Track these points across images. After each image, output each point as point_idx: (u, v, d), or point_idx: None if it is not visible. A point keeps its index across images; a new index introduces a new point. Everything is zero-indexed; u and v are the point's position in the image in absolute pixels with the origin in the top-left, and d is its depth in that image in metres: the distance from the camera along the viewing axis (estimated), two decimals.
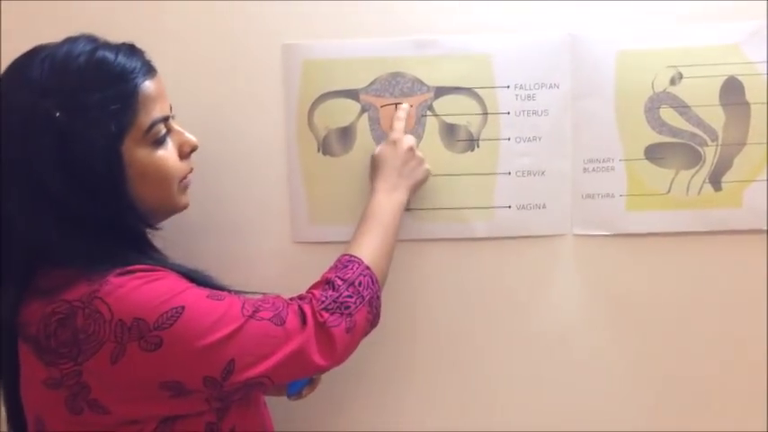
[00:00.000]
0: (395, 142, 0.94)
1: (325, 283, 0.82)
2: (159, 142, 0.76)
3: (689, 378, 1.04)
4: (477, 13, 0.99)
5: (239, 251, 1.04)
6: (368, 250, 0.86)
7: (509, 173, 1.01)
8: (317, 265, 0.96)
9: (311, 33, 1.00)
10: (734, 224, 1.00)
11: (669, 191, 1.01)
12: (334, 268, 0.84)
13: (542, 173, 1.01)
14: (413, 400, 1.06)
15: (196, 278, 0.76)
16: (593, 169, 1.01)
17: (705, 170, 1.00)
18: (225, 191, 1.03)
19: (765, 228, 1.00)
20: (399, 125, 0.97)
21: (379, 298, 0.84)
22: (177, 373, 0.69)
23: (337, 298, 0.79)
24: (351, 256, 0.85)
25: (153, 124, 0.74)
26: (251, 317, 0.73)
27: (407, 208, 0.99)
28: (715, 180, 1.00)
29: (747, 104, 0.99)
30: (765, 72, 0.98)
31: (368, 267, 0.84)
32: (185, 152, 0.81)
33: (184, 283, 0.73)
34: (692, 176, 1.00)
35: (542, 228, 1.02)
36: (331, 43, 1.00)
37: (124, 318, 0.67)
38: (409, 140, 0.95)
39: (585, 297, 1.03)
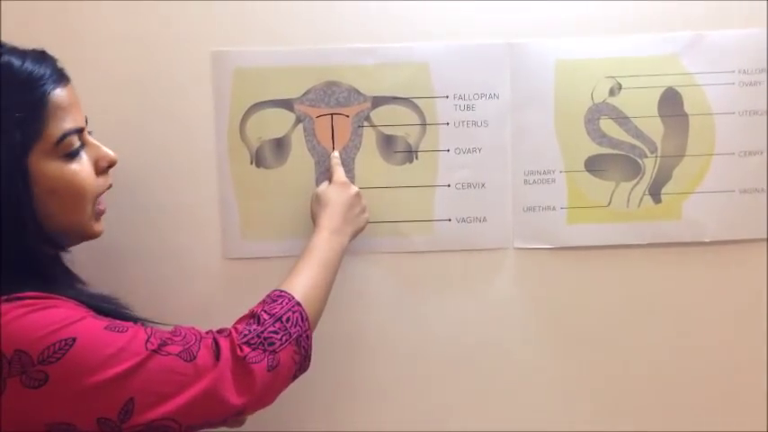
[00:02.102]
0: (343, 185, 0.93)
1: (250, 316, 0.77)
2: (72, 156, 0.71)
3: (629, 393, 1.03)
4: (415, 20, 0.97)
5: (167, 270, 1.00)
6: (302, 287, 0.81)
7: (448, 185, 1.00)
8: (250, 283, 0.97)
9: (242, 40, 0.97)
10: (674, 236, 1.00)
11: (610, 203, 1.00)
12: (262, 302, 0.79)
13: (482, 185, 1.00)
14: (356, 415, 1.03)
15: (103, 308, 0.71)
16: (534, 181, 1.00)
17: (645, 182, 1.00)
18: (152, 206, 0.99)
19: (705, 240, 1.00)
20: (340, 170, 0.96)
21: (309, 338, 0.78)
22: (67, 413, 0.63)
23: (261, 333, 0.73)
24: (282, 291, 0.80)
25: (64, 135, 0.69)
26: (156, 351, 0.67)
27: None
28: (655, 192, 1.00)
29: (686, 116, 0.98)
30: (704, 83, 0.98)
31: (299, 304, 0.78)
32: (102, 167, 0.76)
33: (80, 313, 0.67)
34: (632, 188, 1.00)
35: (483, 241, 1.01)
36: (264, 50, 0.97)
37: (4, 350, 0.61)
38: (355, 188, 0.94)
39: (527, 311, 1.02)
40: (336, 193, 0.92)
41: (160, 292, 0.99)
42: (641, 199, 1.00)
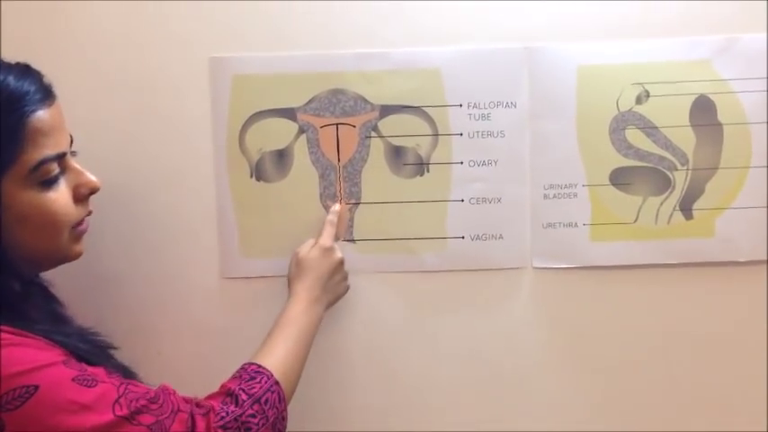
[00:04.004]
0: (327, 251, 0.89)
1: (227, 394, 0.72)
2: (49, 183, 0.67)
3: (657, 424, 0.97)
4: (426, 23, 0.93)
5: (161, 291, 0.96)
6: (279, 363, 0.78)
7: (462, 200, 0.95)
8: (249, 304, 0.96)
9: (242, 45, 0.94)
10: (706, 255, 0.95)
11: (636, 219, 0.95)
12: (239, 378, 0.75)
13: (498, 200, 0.95)
14: None
15: (78, 349, 0.67)
16: (554, 196, 0.95)
17: (675, 197, 0.95)
18: (144, 223, 0.96)
19: (740, 259, 0.95)
20: (331, 231, 0.92)
21: (284, 419, 0.76)
22: None
23: (239, 416, 0.70)
24: (259, 366, 0.76)
25: (42, 162, 0.66)
26: (127, 419, 0.62)
27: (350, 239, 0.95)
28: (686, 207, 0.95)
29: (720, 125, 0.94)
30: (738, 90, 0.93)
31: (277, 383, 0.75)
32: (82, 195, 0.72)
33: (50, 356, 0.62)
34: (661, 204, 0.95)
35: (499, 260, 0.96)
36: (264, 56, 0.93)
37: None
38: (340, 253, 0.91)
39: (546, 336, 0.97)
40: (318, 261, 0.88)
41: (153, 315, 0.96)
42: (671, 215, 0.95)
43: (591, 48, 0.93)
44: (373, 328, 0.97)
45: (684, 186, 0.94)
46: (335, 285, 0.90)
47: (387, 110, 0.94)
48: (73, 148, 0.73)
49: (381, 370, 0.97)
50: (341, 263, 0.90)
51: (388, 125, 0.94)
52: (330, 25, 0.93)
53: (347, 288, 0.93)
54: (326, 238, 0.90)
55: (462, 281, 0.96)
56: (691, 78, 0.93)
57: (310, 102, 0.94)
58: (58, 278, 0.77)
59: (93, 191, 0.74)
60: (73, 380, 0.62)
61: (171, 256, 0.96)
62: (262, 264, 0.95)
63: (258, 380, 0.74)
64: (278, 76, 0.93)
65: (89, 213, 0.75)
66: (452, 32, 0.93)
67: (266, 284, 0.95)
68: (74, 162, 0.72)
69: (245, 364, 0.77)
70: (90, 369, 0.64)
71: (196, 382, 0.89)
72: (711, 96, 0.93)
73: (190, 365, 0.95)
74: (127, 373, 0.72)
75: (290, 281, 0.89)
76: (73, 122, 0.73)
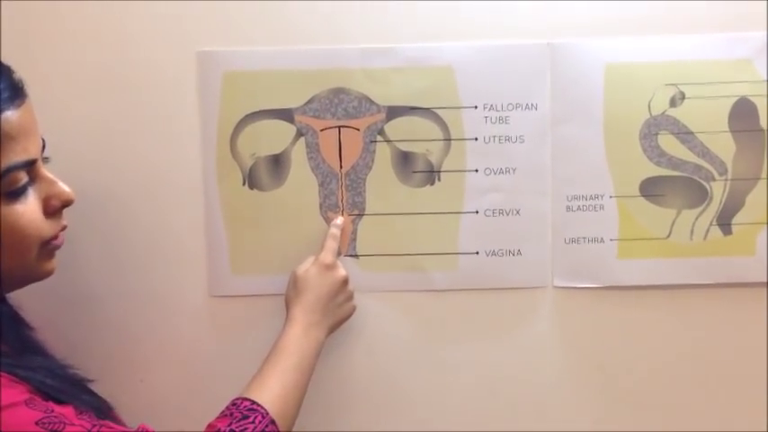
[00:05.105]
0: (328, 268, 0.84)
1: None
2: (15, 194, 0.63)
3: None
4: (439, 17, 0.88)
5: (145, 310, 0.91)
6: (275, 397, 0.73)
7: (476, 212, 0.91)
8: (240, 325, 0.92)
9: (234, 39, 0.89)
10: (746, 275, 0.90)
11: (669, 235, 0.90)
12: (229, 417, 0.69)
13: (517, 212, 0.91)
14: None
15: (45, 385, 0.62)
16: (578, 208, 0.91)
17: (712, 210, 0.90)
18: (126, 236, 0.91)
19: None
20: (332, 246, 0.86)
21: None
22: None
23: None
24: (253, 402, 0.71)
25: (8, 171, 0.61)
26: None
27: (353, 254, 0.90)
28: (724, 222, 0.90)
29: (762, 131, 0.89)
30: None
31: (273, 422, 0.70)
32: (54, 207, 0.67)
33: (13, 395, 0.58)
34: (697, 217, 0.90)
35: (517, 279, 0.92)
36: (259, 51, 0.88)
37: None
38: (343, 271, 0.85)
39: (568, 362, 0.92)
40: (318, 279, 0.83)
41: (134, 338, 0.91)
42: (707, 230, 0.90)
43: (620, 44, 0.88)
44: (377, 354, 0.92)
45: (723, 198, 0.90)
46: (338, 307, 0.84)
47: (394, 111, 0.89)
48: (45, 154, 0.69)
49: (387, 400, 0.93)
50: (344, 281, 0.84)
51: (396, 128, 0.89)
52: (332, 18, 0.88)
53: (353, 309, 0.87)
54: (327, 254, 0.85)
55: (476, 301, 0.92)
56: (730, 79, 0.88)
57: (310, 102, 0.89)
58: (27, 299, 0.72)
59: (67, 203, 0.68)
60: (37, 423, 0.58)
61: (154, 272, 0.91)
62: (255, 281, 0.91)
63: (252, 419, 0.69)
64: (274, 74, 0.88)
65: (63, 228, 0.69)
66: (467, 27, 0.89)
67: (259, 304, 0.90)
68: (45, 170, 0.67)
69: (236, 400, 0.71)
70: (57, 409, 0.60)
71: (182, 413, 0.90)
72: (753, 99, 0.88)
73: (175, 395, 0.91)
74: (101, 410, 0.67)
75: (288, 303, 0.83)
76: (45, 125, 0.68)
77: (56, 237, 0.68)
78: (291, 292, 0.83)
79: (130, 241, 0.90)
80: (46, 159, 0.69)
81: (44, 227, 0.66)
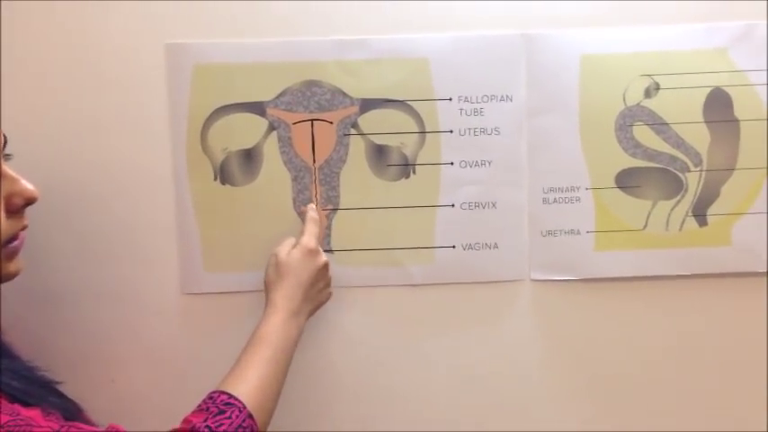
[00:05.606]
0: (311, 253, 0.81)
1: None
2: None
3: None
4: (413, 7, 0.87)
5: (115, 309, 0.89)
6: (253, 389, 0.70)
7: (452, 205, 0.89)
8: (213, 323, 0.90)
9: (204, 30, 0.87)
10: (722, 266, 0.90)
11: (645, 226, 0.90)
12: (205, 411, 0.67)
13: (493, 205, 0.90)
14: None
15: (11, 387, 0.60)
16: (555, 200, 0.90)
17: (687, 201, 0.89)
18: (95, 233, 0.88)
19: (759, 270, 0.90)
20: (314, 230, 0.84)
21: None
22: None
23: None
24: (230, 396, 0.69)
25: None
26: None
27: (327, 249, 0.89)
28: (699, 213, 0.90)
29: (736, 121, 0.89)
30: (757, 82, 0.88)
31: (250, 416, 0.68)
32: (15, 205, 0.65)
33: None
34: (673, 208, 0.89)
35: (494, 272, 0.91)
36: (229, 44, 0.87)
37: None
38: (324, 256, 0.83)
39: (546, 354, 0.92)
40: (301, 264, 0.80)
41: (104, 337, 0.89)
42: (683, 221, 0.89)
43: (595, 35, 0.87)
44: (354, 349, 0.91)
45: (698, 189, 0.89)
46: (318, 293, 0.83)
47: (368, 104, 0.88)
48: (7, 151, 0.67)
49: (365, 395, 0.91)
50: (325, 267, 0.83)
51: (370, 121, 0.88)
52: (304, 9, 0.87)
53: (330, 295, 0.86)
54: (310, 239, 0.82)
55: (453, 295, 0.90)
56: (705, 69, 0.88)
57: (282, 95, 0.87)
58: None
59: (30, 201, 0.66)
60: (2, 427, 0.56)
61: (125, 270, 0.89)
62: (227, 278, 0.89)
63: (228, 414, 0.67)
64: (245, 66, 0.87)
65: (24, 227, 0.66)
66: (441, 18, 0.88)
67: (233, 301, 0.89)
68: (7, 167, 0.65)
69: (212, 393, 0.69)
70: (24, 412, 0.58)
71: (155, 413, 0.88)
72: (728, 89, 0.88)
73: (147, 395, 0.89)
74: (71, 412, 0.65)
75: (267, 287, 0.80)
76: (12, 119, 0.69)
77: (15, 237, 0.65)
78: (273, 276, 0.80)
79: (100, 238, 0.88)
80: (8, 156, 0.67)
81: (5, 226, 0.63)
